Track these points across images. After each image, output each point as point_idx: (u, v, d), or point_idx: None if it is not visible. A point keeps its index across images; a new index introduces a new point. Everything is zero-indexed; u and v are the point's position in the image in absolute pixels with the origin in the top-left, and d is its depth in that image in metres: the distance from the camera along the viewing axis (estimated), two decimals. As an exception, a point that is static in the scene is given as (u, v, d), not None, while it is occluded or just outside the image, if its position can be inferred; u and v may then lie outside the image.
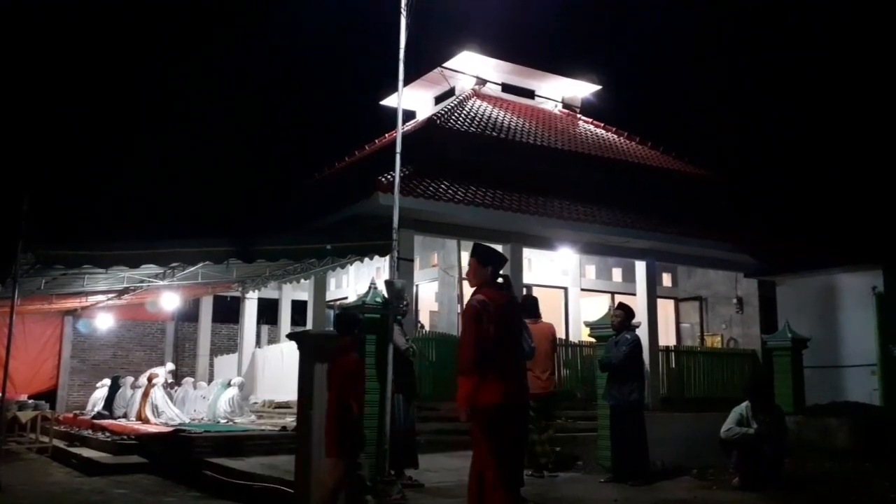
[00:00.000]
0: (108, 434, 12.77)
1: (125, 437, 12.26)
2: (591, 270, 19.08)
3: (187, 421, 13.97)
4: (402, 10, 8.28)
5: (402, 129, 8.58)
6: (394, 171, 8.46)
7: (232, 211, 26.61)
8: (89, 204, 28.30)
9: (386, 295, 7.85)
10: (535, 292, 16.35)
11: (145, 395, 14.35)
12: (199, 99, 41.01)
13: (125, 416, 14.66)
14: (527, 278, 16.01)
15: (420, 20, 8.46)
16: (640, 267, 16.53)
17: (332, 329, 6.76)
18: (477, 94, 20.10)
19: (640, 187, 18.09)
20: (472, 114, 18.32)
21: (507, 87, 21.22)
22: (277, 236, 11.20)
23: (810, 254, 16.56)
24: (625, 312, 8.73)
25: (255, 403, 15.68)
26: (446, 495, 7.65)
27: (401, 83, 8.47)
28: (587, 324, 10.17)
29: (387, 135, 19.41)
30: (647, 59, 44.27)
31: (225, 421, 13.84)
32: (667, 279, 19.95)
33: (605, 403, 8.88)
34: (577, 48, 40.22)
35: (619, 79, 35.16)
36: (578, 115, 21.75)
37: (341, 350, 6.30)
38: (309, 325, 15.71)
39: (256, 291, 16.73)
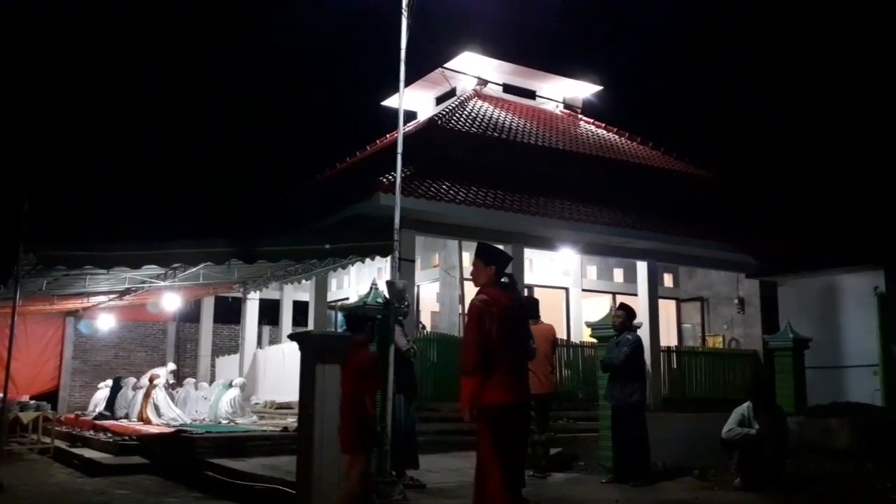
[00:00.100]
0: (109, 435, 12.77)
1: (127, 437, 12.26)
2: (592, 271, 19.07)
3: (189, 422, 13.97)
4: (404, 11, 8.29)
5: (403, 129, 8.58)
6: (395, 172, 8.46)
7: (233, 211, 26.65)
8: (90, 204, 28.36)
9: (387, 295, 7.86)
10: (537, 293, 16.36)
11: (147, 395, 14.35)
12: (200, 99, 41.07)
13: (126, 416, 14.66)
14: (528, 279, 16.02)
15: (421, 21, 8.47)
16: (642, 267, 16.52)
17: (334, 329, 6.77)
18: (478, 94, 20.11)
19: (642, 188, 18.09)
20: (473, 114, 18.32)
21: (508, 88, 21.22)
22: (278, 237, 11.22)
23: (812, 254, 16.56)
24: (626, 313, 8.73)
25: (257, 404, 15.68)
26: (447, 496, 7.66)
27: (402, 84, 8.47)
28: (588, 324, 10.18)
29: (388, 135, 19.42)
30: (648, 59, 44.31)
31: (226, 422, 13.84)
32: (668, 280, 19.94)
33: (606, 404, 8.89)
34: (578, 49, 40.26)
35: (620, 79, 35.21)
36: (580, 116, 21.75)
37: (355, 347, 6.30)
38: (310, 326, 15.69)
39: (258, 292, 16.74)
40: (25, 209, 9.45)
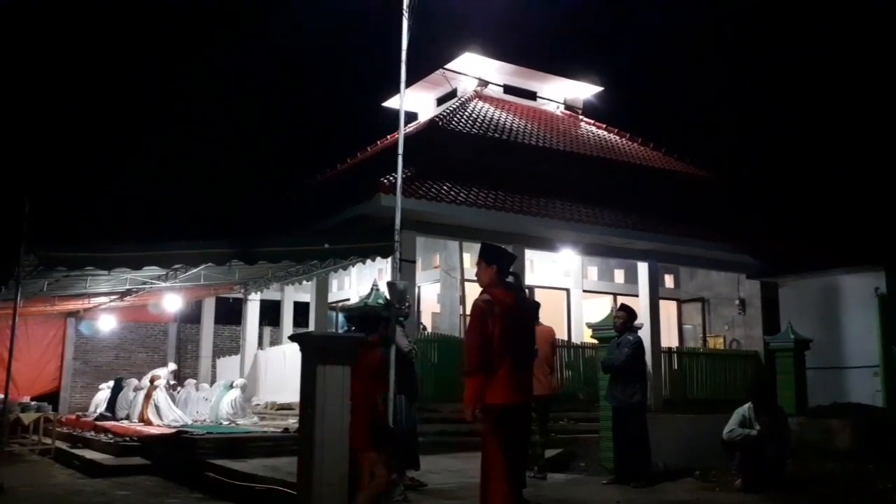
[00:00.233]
0: (110, 436, 12.78)
1: (127, 438, 12.27)
2: (593, 272, 19.07)
3: (189, 422, 13.98)
4: (404, 12, 8.29)
5: (403, 130, 8.57)
6: (395, 173, 8.45)
7: (234, 212, 26.65)
8: (91, 205, 28.37)
9: (388, 296, 7.86)
10: (538, 294, 16.37)
11: (147, 396, 14.35)
12: (200, 99, 41.05)
13: (127, 417, 14.66)
14: (529, 280, 16.01)
15: (422, 21, 8.47)
16: (643, 268, 16.52)
17: (335, 329, 6.78)
18: (479, 95, 20.11)
19: (642, 188, 18.09)
20: (473, 115, 18.33)
21: (508, 89, 21.23)
22: (279, 238, 11.22)
23: (812, 255, 16.56)
24: (627, 314, 8.73)
25: (258, 405, 15.68)
26: (448, 497, 7.66)
27: (402, 85, 8.47)
28: (589, 325, 10.18)
29: (388, 136, 19.42)
30: (648, 59, 44.32)
31: (227, 423, 13.84)
32: (669, 280, 19.94)
33: (607, 405, 8.89)
34: (578, 49, 40.28)
35: (620, 80, 35.11)
36: (580, 117, 21.76)
37: (367, 347, 6.29)
38: (311, 327, 15.70)
39: (258, 293, 16.74)
40: (26, 210, 9.45)
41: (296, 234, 13.96)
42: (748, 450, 8.01)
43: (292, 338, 7.58)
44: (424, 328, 16.02)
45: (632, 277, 17.64)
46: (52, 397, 17.43)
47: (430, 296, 17.81)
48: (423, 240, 15.18)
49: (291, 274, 13.48)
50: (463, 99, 19.64)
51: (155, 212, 29.15)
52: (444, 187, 14.36)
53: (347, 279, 19.18)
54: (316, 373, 6.80)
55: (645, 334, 11.65)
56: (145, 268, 9.84)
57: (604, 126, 21.39)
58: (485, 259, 5.30)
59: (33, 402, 14.80)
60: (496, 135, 17.56)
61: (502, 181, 15.58)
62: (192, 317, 19.96)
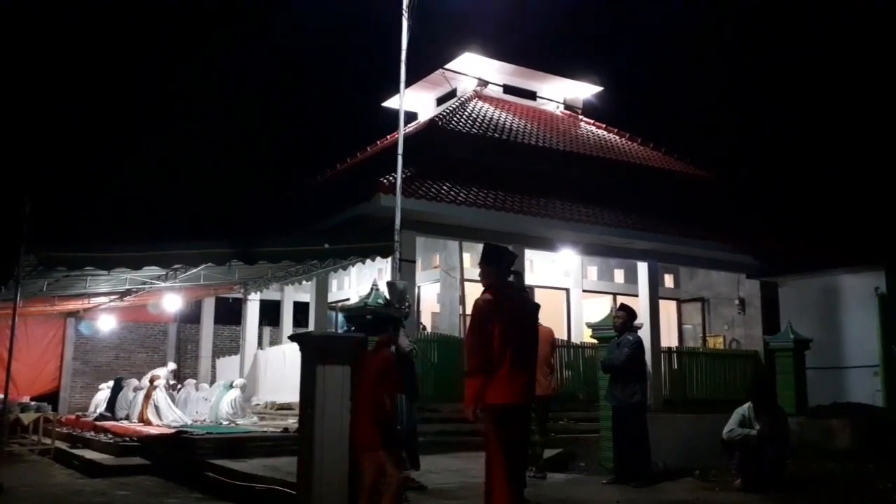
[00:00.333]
0: (110, 436, 12.77)
1: (127, 438, 12.26)
2: (592, 272, 19.07)
3: (189, 422, 13.98)
4: (404, 12, 8.30)
5: (403, 130, 8.60)
6: (395, 173, 8.48)
7: (234, 212, 26.63)
8: (91, 205, 28.36)
9: (388, 296, 7.87)
10: (537, 293, 16.37)
11: (147, 396, 14.35)
12: (200, 99, 41.03)
13: (127, 417, 14.66)
14: (529, 279, 15.98)
15: (422, 22, 8.48)
16: (642, 268, 16.52)
17: (335, 329, 6.77)
18: (478, 95, 20.11)
19: (642, 188, 18.10)
20: (473, 115, 18.33)
21: (508, 89, 21.23)
22: (279, 238, 11.21)
23: (812, 255, 16.56)
24: (627, 314, 8.73)
25: (257, 405, 15.68)
26: (448, 497, 7.65)
27: (402, 85, 8.49)
28: (589, 325, 10.18)
29: (388, 136, 19.41)
30: (648, 59, 44.32)
31: (227, 423, 13.84)
32: (669, 280, 19.94)
33: (607, 405, 8.88)
34: (578, 49, 40.28)
35: (620, 80, 35.14)
36: (580, 117, 21.76)
37: (377, 347, 6.29)
38: (311, 327, 15.70)
39: (258, 293, 16.74)
40: (26, 210, 9.45)
41: (296, 234, 13.96)
42: (748, 450, 8.01)
43: (292, 338, 7.58)
44: (424, 328, 16.03)
45: (632, 277, 17.65)
46: (51, 397, 17.43)
47: (429, 296, 17.81)
48: (423, 240, 15.18)
49: (291, 274, 13.47)
50: (463, 99, 19.64)
51: (155, 212, 29.17)
52: (444, 187, 14.36)
53: (347, 279, 19.18)
54: (316, 373, 6.80)
55: (645, 334, 11.66)
56: (145, 268, 9.84)
57: (604, 126, 21.40)
58: (485, 260, 5.32)
59: (33, 403, 14.80)
60: (496, 135, 17.56)
61: (502, 181, 15.58)
62: (191, 317, 19.96)
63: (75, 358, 19.04)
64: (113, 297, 14.88)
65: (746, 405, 8.30)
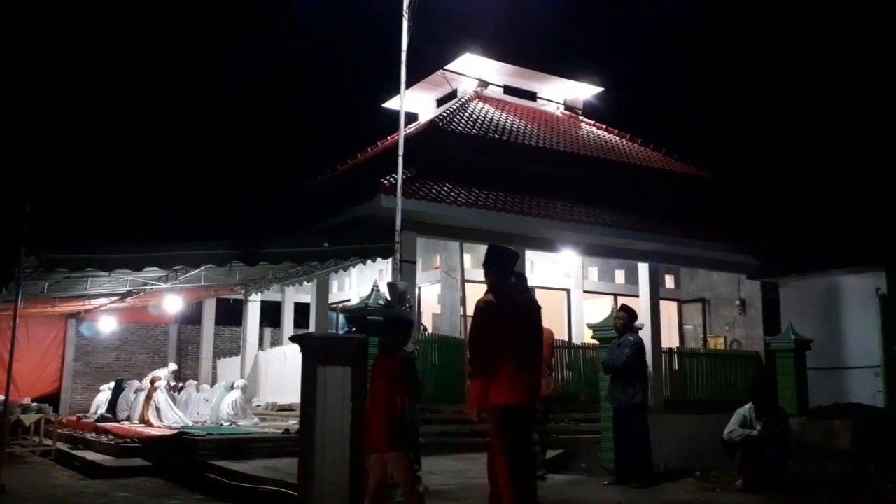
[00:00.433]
0: (111, 437, 12.78)
1: (128, 439, 12.27)
2: (593, 272, 19.07)
3: (190, 424, 13.98)
4: (405, 13, 8.31)
5: (404, 131, 8.60)
6: (396, 174, 8.48)
7: (234, 213, 26.64)
8: (91, 206, 28.36)
9: (388, 297, 7.86)
10: (538, 294, 16.32)
11: (148, 397, 14.36)
12: (201, 99, 41.03)
13: (128, 418, 14.66)
14: (529, 280, 15.96)
15: (422, 22, 8.49)
16: (643, 269, 16.51)
17: (335, 330, 6.76)
18: (479, 96, 20.11)
19: (643, 189, 18.09)
20: (474, 116, 18.33)
21: (509, 90, 21.23)
22: (280, 239, 11.22)
23: (813, 255, 16.55)
24: (628, 314, 8.73)
25: (258, 406, 15.68)
26: (449, 498, 7.65)
27: (403, 85, 8.49)
28: (590, 326, 10.18)
29: (389, 137, 19.41)
30: (649, 60, 44.33)
31: (228, 424, 13.84)
32: (669, 281, 19.94)
33: (608, 405, 8.88)
34: (578, 50, 40.30)
35: (620, 81, 35.07)
36: (580, 117, 21.76)
37: (393, 348, 6.28)
38: (312, 328, 15.71)
39: (259, 294, 16.75)
40: (27, 211, 9.46)
41: (296, 235, 13.96)
42: (749, 450, 8.00)
43: (293, 339, 7.59)
44: (425, 329, 16.02)
45: (632, 278, 17.65)
46: (52, 399, 17.42)
47: (430, 297, 17.81)
48: (424, 240, 15.18)
49: (292, 275, 13.48)
50: (463, 100, 19.64)
51: (155, 213, 29.18)
52: (445, 188, 14.36)
53: (348, 280, 19.18)
54: (316, 374, 6.81)
55: (646, 335, 11.65)
56: (146, 269, 9.85)
57: (604, 126, 21.39)
58: (486, 263, 5.33)
59: (34, 404, 14.80)
60: (496, 135, 17.56)
61: (502, 182, 15.58)
62: (192, 318, 19.97)
63: (76, 359, 19.05)
64: (114, 299, 14.89)
65: (747, 406, 8.30)
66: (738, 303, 18.76)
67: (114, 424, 13.97)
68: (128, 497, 9.10)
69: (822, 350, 13.07)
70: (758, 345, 17.38)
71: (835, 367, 15.08)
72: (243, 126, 40.99)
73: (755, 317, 18.42)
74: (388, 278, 9.52)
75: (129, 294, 13.80)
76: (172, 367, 16.73)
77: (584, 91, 22.34)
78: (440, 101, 21.14)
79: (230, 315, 19.88)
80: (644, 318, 14.78)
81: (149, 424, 13.79)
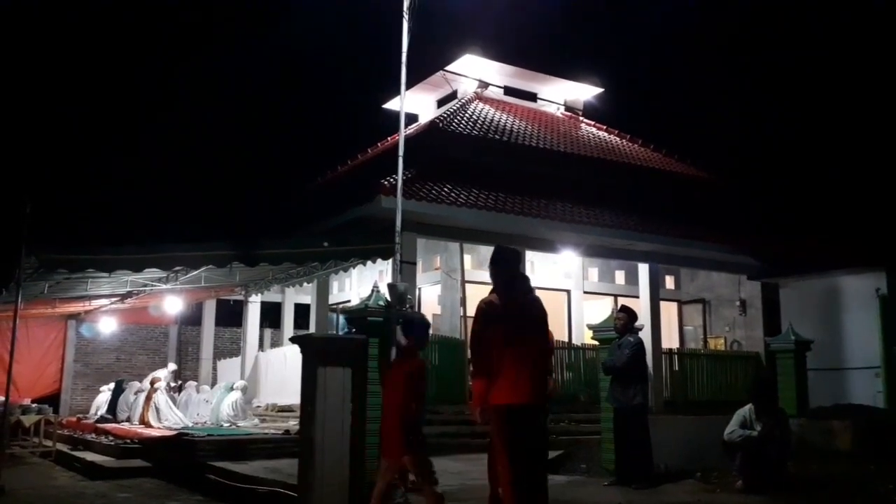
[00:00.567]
0: (111, 438, 12.79)
1: (128, 440, 12.27)
2: (593, 273, 19.06)
3: (190, 424, 13.99)
4: (405, 14, 8.30)
5: (404, 132, 8.59)
6: (396, 175, 8.47)
7: (234, 214, 26.66)
8: (91, 207, 28.36)
9: (389, 298, 7.86)
10: (538, 295, 16.33)
11: (148, 398, 14.36)
12: (201, 100, 41.05)
13: (128, 419, 14.67)
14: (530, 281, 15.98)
15: (422, 23, 8.48)
16: (643, 269, 16.51)
17: (335, 331, 6.74)
18: (479, 97, 20.12)
19: (643, 190, 18.08)
20: (474, 117, 18.33)
21: (509, 90, 21.24)
22: (280, 240, 11.23)
23: (813, 256, 16.54)
24: (628, 315, 8.73)
25: (259, 407, 15.68)
26: (449, 499, 7.61)
27: (403, 86, 8.49)
28: (590, 326, 10.18)
29: (389, 138, 19.42)
30: (649, 60, 44.33)
31: (228, 425, 13.84)
32: (670, 282, 19.94)
33: (608, 406, 8.88)
34: (578, 51, 40.30)
35: (621, 81, 35.11)
36: (581, 118, 21.76)
37: (406, 352, 6.28)
38: (312, 329, 15.70)
39: (259, 295, 16.75)
40: (27, 212, 9.46)
41: (296, 235, 13.97)
42: (749, 451, 8.00)
43: (293, 340, 7.59)
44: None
45: (632, 279, 17.65)
46: (52, 399, 17.41)
47: (430, 297, 17.81)
48: (424, 241, 15.18)
49: (292, 276, 13.48)
50: (463, 100, 19.64)
51: (156, 213, 29.20)
52: (445, 189, 14.36)
53: (348, 281, 19.18)
54: (317, 375, 6.81)
55: (646, 336, 11.66)
56: (146, 270, 9.85)
57: (604, 127, 21.40)
58: (491, 261, 5.36)
59: (34, 405, 14.80)
60: (497, 136, 17.55)
61: (503, 183, 15.58)
62: (192, 319, 19.97)
63: (76, 360, 19.05)
64: (114, 300, 14.89)
65: (747, 407, 8.30)
66: (738, 303, 18.76)
67: (114, 425, 13.98)
68: (128, 498, 9.10)
69: (822, 351, 13.06)
70: (758, 345, 17.37)
71: (835, 367, 15.08)
72: (244, 127, 41.05)
73: (755, 317, 18.41)
74: (389, 279, 9.50)
75: (129, 295, 13.80)
76: (172, 366, 16.73)
77: (585, 92, 22.35)
78: (440, 102, 21.14)
79: (230, 316, 19.89)
80: (644, 318, 14.78)
81: (148, 425, 13.80)
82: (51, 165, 31.78)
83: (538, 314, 5.33)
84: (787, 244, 17.58)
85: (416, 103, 21.16)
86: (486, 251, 16.45)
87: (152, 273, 10.96)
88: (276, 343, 19.73)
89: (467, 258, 16.12)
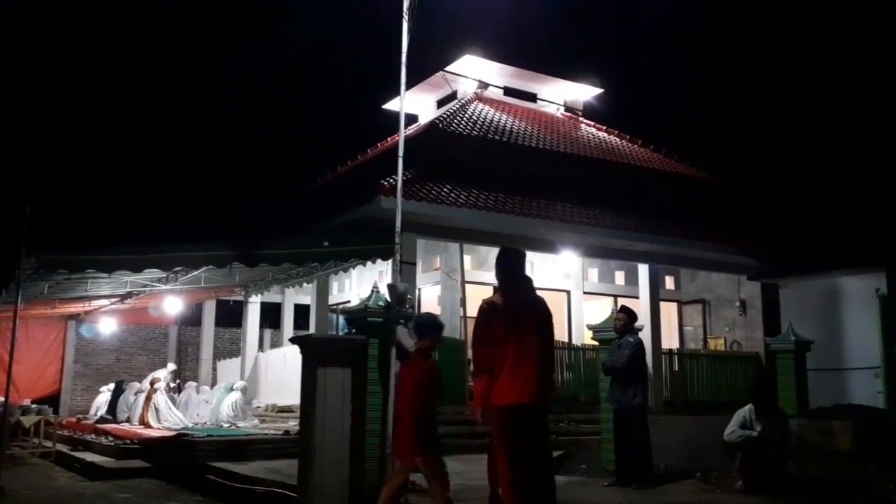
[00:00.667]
0: (111, 438, 12.78)
1: (128, 441, 12.27)
2: (593, 273, 19.06)
3: (190, 425, 13.98)
4: (405, 14, 8.30)
5: (404, 132, 8.59)
6: (396, 175, 8.47)
7: (234, 214, 26.66)
8: (91, 207, 28.37)
9: (388, 298, 7.86)
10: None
11: (148, 399, 14.35)
12: (201, 101, 41.07)
13: (128, 420, 14.66)
14: (529, 281, 15.98)
15: (422, 24, 8.48)
16: (643, 270, 16.50)
17: (335, 332, 6.74)
18: (479, 97, 20.12)
19: (643, 190, 18.08)
20: (474, 117, 18.33)
21: (509, 91, 21.24)
22: (280, 240, 11.22)
23: (813, 256, 16.54)
24: (628, 315, 8.73)
25: (258, 407, 15.68)
26: (449, 499, 7.63)
27: (403, 87, 8.48)
28: (590, 327, 10.18)
29: (389, 138, 19.43)
30: (649, 61, 44.34)
31: (228, 425, 13.84)
32: (670, 282, 19.93)
33: (608, 407, 8.88)
34: (578, 51, 40.31)
35: (621, 81, 35.15)
36: (581, 119, 21.76)
37: (418, 354, 6.27)
38: (312, 329, 15.70)
39: (259, 295, 16.74)
40: (27, 212, 9.46)
41: (296, 236, 13.96)
42: (749, 451, 8.00)
43: (293, 340, 7.59)
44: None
45: (632, 279, 17.64)
46: (52, 400, 17.40)
47: (430, 298, 17.80)
48: (424, 242, 15.18)
49: (292, 276, 13.48)
50: (463, 101, 19.64)
51: (156, 214, 29.20)
52: (445, 189, 14.36)
53: (348, 281, 19.18)
54: (316, 375, 6.81)
55: (645, 336, 11.66)
56: (146, 270, 9.85)
57: (604, 128, 21.40)
58: (495, 263, 5.39)
59: (34, 405, 14.79)
60: (496, 137, 17.55)
61: (503, 183, 15.58)
62: (192, 319, 19.97)
63: (76, 361, 19.05)
64: (114, 300, 14.89)
65: (747, 407, 8.30)
66: (738, 304, 18.76)
67: (113, 426, 13.98)
68: (128, 498, 9.10)
69: (822, 351, 13.07)
70: (758, 346, 17.37)
71: (835, 368, 15.08)
72: (244, 127, 41.05)
73: (755, 318, 18.41)
74: (388, 279, 9.50)
75: (129, 295, 13.80)
76: (171, 367, 16.71)
77: (584, 92, 22.35)
78: (440, 103, 21.14)
79: (230, 316, 19.89)
80: (644, 319, 14.77)
81: (148, 426, 13.79)
82: (51, 166, 31.81)
83: (541, 314, 5.29)
84: (786, 244, 17.58)
85: (416, 104, 21.16)
86: (486, 251, 16.59)
87: (152, 273, 10.96)
88: (275, 343, 19.72)
89: (467, 259, 16.12)
